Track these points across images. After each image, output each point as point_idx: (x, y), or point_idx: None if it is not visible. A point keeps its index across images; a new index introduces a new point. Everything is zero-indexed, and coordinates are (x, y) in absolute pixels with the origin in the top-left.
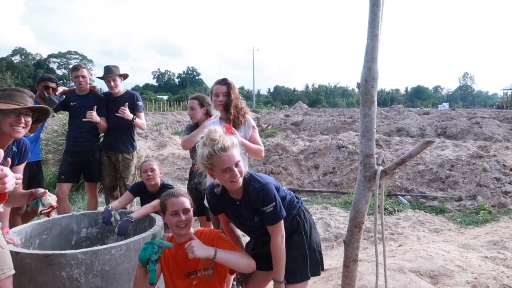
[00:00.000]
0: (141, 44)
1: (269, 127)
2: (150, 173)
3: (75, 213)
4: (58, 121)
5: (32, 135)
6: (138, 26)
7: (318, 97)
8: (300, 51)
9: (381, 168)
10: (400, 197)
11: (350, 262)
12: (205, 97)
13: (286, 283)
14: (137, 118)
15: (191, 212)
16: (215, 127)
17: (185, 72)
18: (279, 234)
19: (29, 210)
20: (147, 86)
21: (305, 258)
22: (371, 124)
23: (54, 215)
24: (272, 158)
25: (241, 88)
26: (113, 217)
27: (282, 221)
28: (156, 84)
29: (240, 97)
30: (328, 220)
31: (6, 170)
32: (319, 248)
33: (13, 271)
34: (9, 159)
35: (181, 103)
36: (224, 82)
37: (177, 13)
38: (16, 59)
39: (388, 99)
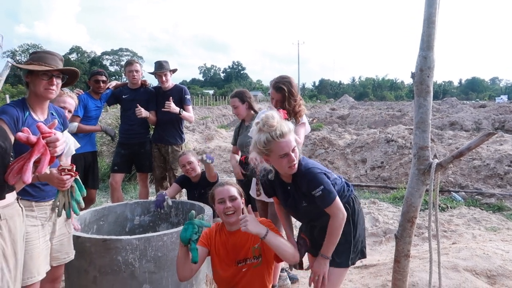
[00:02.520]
0: (188, 40)
1: (314, 121)
2: (188, 166)
3: (129, 201)
4: (112, 115)
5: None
6: (185, 22)
7: (365, 90)
8: (347, 43)
9: (436, 161)
10: (454, 193)
11: (401, 257)
12: (244, 91)
13: (336, 266)
14: (184, 111)
15: (239, 200)
16: (272, 113)
17: (230, 66)
18: (339, 213)
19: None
20: (193, 81)
21: (350, 246)
22: (426, 116)
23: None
24: (318, 152)
25: None
26: (166, 201)
27: (339, 199)
28: (203, 79)
29: (298, 95)
30: (376, 215)
31: (59, 134)
32: (363, 239)
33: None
34: (56, 120)
35: (226, 97)
36: (278, 89)
37: (222, 8)
38: (73, 57)
39: (440, 92)
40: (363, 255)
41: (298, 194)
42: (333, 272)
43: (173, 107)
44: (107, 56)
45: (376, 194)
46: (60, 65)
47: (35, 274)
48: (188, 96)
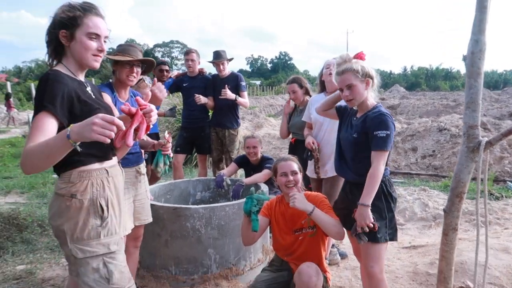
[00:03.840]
0: (234, 31)
1: None
2: (252, 150)
3: (191, 178)
4: (173, 100)
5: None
6: (231, 13)
7: (417, 80)
8: (398, 31)
9: (486, 138)
10: (509, 182)
11: (449, 230)
12: (302, 78)
13: (368, 241)
14: (239, 98)
15: (299, 175)
16: (347, 54)
17: (277, 57)
18: (382, 162)
19: (152, 168)
20: (241, 72)
21: (385, 222)
22: (477, 96)
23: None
24: None
25: None
26: (225, 181)
27: (387, 153)
28: (250, 70)
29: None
30: (426, 200)
31: (152, 106)
32: (394, 218)
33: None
34: (149, 93)
35: (273, 87)
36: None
37: None
38: None
39: (500, 82)
40: (395, 235)
41: (357, 127)
42: (373, 247)
43: (229, 94)
44: (159, 48)
45: (426, 182)
46: (140, 56)
47: (126, 228)
48: (244, 83)
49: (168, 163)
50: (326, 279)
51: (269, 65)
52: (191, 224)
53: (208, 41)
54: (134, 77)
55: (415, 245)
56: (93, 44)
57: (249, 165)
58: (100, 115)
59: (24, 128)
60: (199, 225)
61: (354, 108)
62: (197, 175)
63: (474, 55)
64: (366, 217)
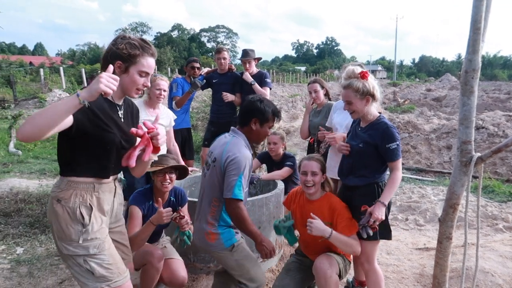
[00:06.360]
0: (279, 15)
1: (406, 102)
2: (272, 146)
3: None
4: (206, 92)
5: (179, 108)
6: None
7: None
8: (452, 16)
9: (478, 154)
10: None
11: (443, 239)
12: (322, 80)
13: (367, 239)
14: (256, 85)
15: (319, 176)
16: (355, 68)
17: (324, 42)
18: (399, 169)
19: (171, 241)
20: (286, 57)
21: (386, 220)
22: (470, 113)
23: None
24: (401, 136)
25: (382, 59)
26: (256, 179)
27: (401, 160)
28: (295, 55)
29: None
30: None
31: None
32: (387, 220)
33: None
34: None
35: (318, 74)
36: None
37: None
38: (175, 34)
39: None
40: (388, 235)
41: (361, 138)
42: (367, 244)
43: (229, 96)
44: (204, 33)
45: None
46: (172, 163)
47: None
48: (268, 80)
49: (188, 235)
50: (343, 259)
51: (315, 51)
52: None
53: (252, 25)
54: (169, 183)
55: (428, 247)
56: (141, 80)
57: (271, 161)
58: (106, 73)
59: None
60: None
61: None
62: None
63: (468, 74)
64: (383, 213)
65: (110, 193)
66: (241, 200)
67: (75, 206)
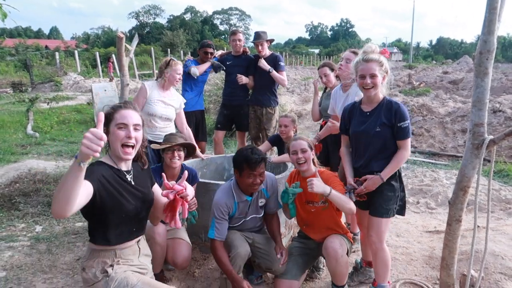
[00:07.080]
0: None
1: (421, 85)
2: (283, 129)
3: (227, 154)
4: (219, 75)
5: (199, 75)
6: None
7: None
8: None
9: (490, 137)
10: None
11: (453, 221)
12: (331, 62)
13: (379, 217)
14: (275, 72)
15: (309, 152)
16: (374, 46)
17: (338, 24)
18: (407, 149)
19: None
20: (299, 40)
21: (396, 200)
22: (483, 95)
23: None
24: (415, 119)
25: (398, 41)
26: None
27: (410, 140)
28: (309, 38)
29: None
30: None
31: (189, 189)
32: (404, 199)
33: None
34: (185, 182)
35: (332, 57)
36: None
37: None
38: (187, 16)
39: None
40: (402, 211)
41: (375, 121)
42: (380, 221)
43: (244, 79)
44: (217, 15)
45: None
46: (180, 141)
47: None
48: (282, 63)
49: (194, 215)
50: (349, 240)
51: (329, 33)
52: None
53: (266, 7)
54: (178, 160)
55: (439, 230)
56: (121, 133)
57: (282, 144)
58: (92, 129)
59: (88, 96)
60: None
61: (355, 102)
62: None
63: (482, 55)
64: (376, 186)
65: (134, 255)
66: (215, 240)
67: (97, 272)
